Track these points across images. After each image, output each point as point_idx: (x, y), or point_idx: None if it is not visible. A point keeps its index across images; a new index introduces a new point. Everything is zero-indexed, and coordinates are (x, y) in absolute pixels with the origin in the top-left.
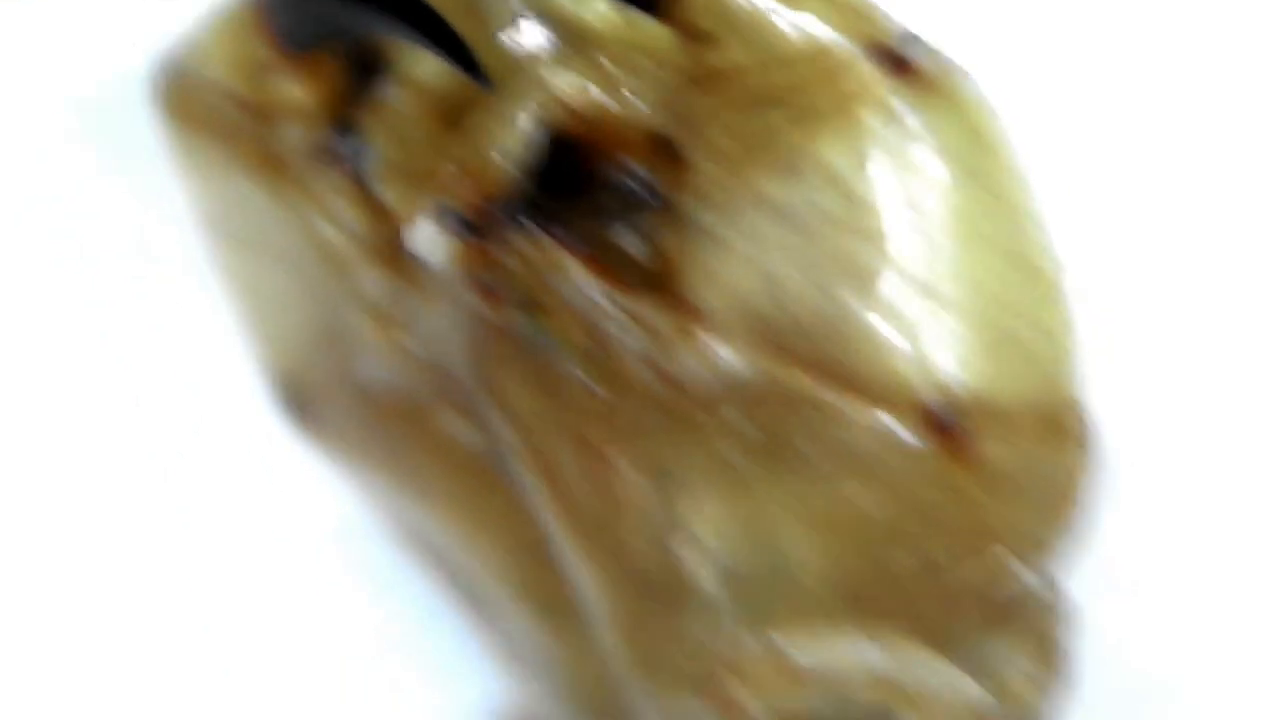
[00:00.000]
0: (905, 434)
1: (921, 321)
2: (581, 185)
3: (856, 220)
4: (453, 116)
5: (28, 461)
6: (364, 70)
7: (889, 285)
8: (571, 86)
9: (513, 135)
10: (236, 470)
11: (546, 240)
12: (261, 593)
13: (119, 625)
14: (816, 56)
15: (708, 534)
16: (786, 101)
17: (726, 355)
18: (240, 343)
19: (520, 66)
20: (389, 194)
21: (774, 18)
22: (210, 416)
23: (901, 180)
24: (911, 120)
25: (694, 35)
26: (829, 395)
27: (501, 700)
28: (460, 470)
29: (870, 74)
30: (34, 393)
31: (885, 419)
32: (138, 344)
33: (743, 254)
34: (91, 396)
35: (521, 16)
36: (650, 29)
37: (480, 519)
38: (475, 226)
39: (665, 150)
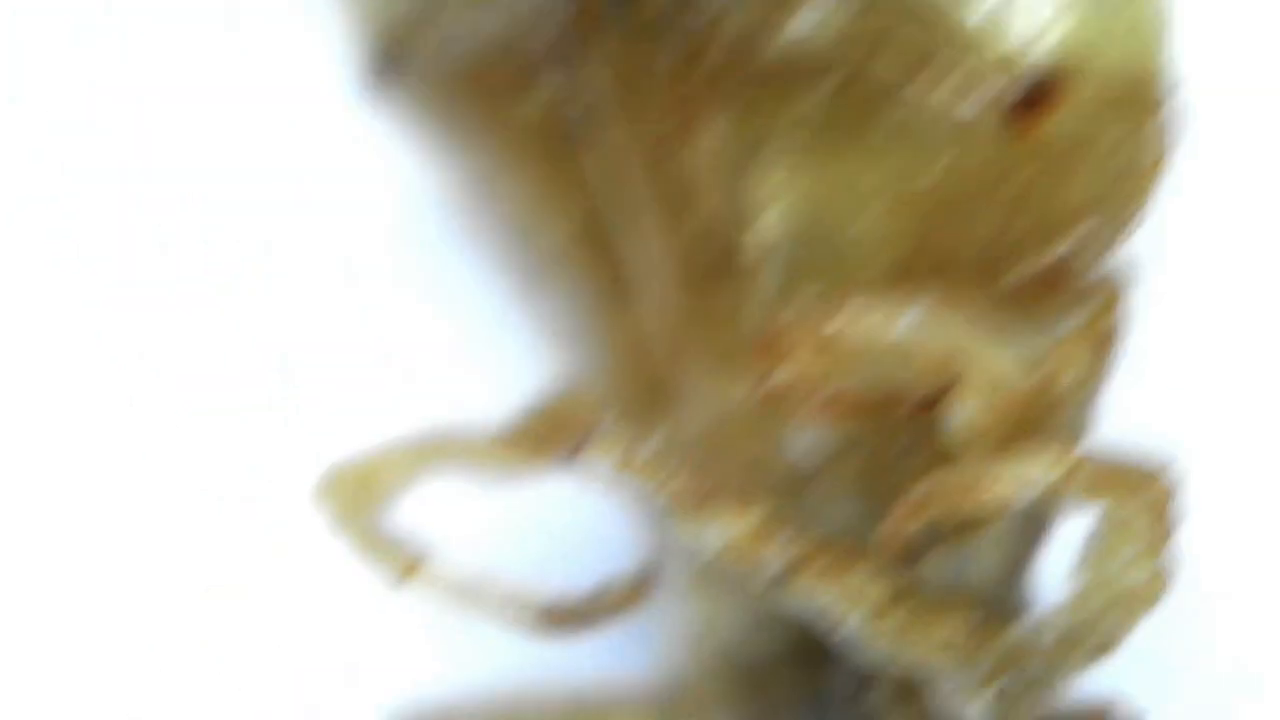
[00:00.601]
0: (980, 102)
1: None
2: None
3: None
4: None
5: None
6: None
7: None
8: None
9: None
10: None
11: None
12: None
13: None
14: None
15: (771, 207)
16: None
17: (811, 19)
18: None
19: None
20: None
21: None
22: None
23: None
24: None
25: None
26: (908, 62)
27: (543, 384)
28: (539, 140)
29: None
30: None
31: (963, 86)
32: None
33: None
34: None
35: None
36: None
37: (549, 192)
38: None
39: None
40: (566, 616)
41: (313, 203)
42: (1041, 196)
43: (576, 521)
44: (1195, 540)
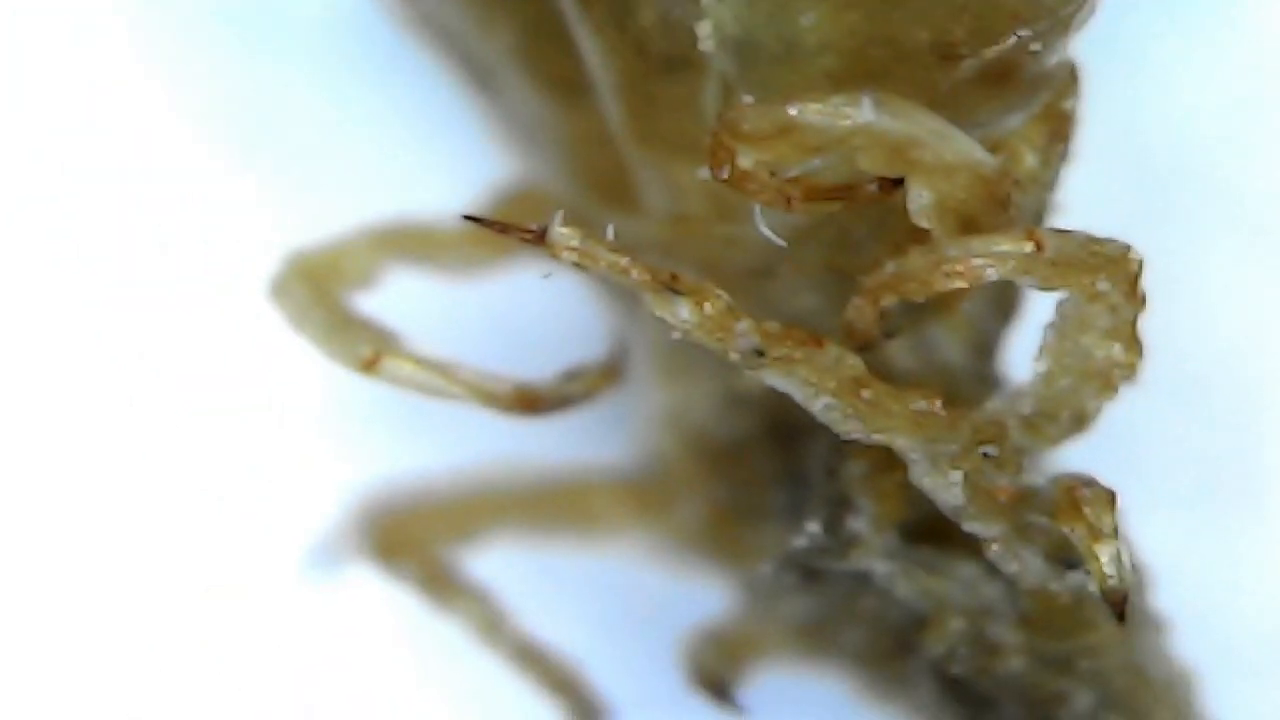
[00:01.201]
0: None
1: None
2: None
3: None
4: None
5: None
6: None
7: None
8: None
9: None
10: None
11: None
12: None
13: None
14: None
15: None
16: None
17: None
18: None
19: None
20: None
21: None
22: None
23: None
24: None
25: None
26: None
27: (505, 177)
28: None
29: None
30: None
31: None
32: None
33: None
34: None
35: None
36: None
37: None
38: None
39: None
40: (538, 399)
41: (270, 6)
42: None
43: (544, 310)
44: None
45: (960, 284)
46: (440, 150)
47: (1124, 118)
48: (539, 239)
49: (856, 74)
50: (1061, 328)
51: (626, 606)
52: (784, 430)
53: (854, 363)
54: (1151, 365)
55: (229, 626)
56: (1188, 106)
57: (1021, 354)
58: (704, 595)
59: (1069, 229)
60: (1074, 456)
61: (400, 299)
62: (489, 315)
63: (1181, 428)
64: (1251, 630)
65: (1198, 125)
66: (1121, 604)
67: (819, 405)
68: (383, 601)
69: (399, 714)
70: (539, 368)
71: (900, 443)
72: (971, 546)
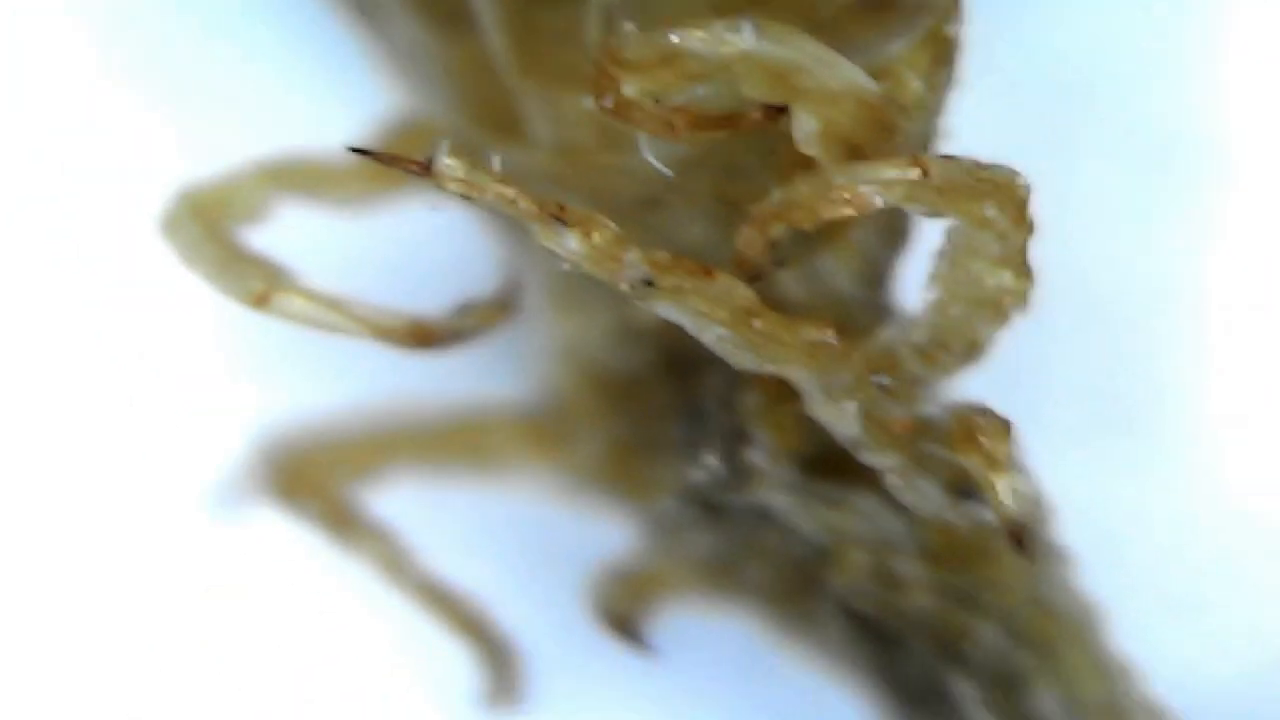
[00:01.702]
0: None
1: None
2: None
3: None
4: None
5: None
6: None
7: None
8: None
9: None
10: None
11: None
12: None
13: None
14: None
15: None
16: None
17: None
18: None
19: None
20: None
21: None
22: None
23: None
24: None
25: None
26: None
27: (392, 111)
28: None
29: None
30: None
31: None
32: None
33: None
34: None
35: None
36: None
37: None
38: None
39: None
40: (431, 333)
41: None
42: None
43: (436, 244)
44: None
45: (848, 211)
46: (330, 84)
47: (1010, 42)
48: (425, 170)
49: (738, 0)
50: (951, 255)
51: (531, 545)
52: (680, 363)
53: (745, 292)
54: (1046, 293)
55: (134, 567)
56: (1076, 30)
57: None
58: (609, 532)
59: (956, 155)
60: (972, 387)
61: (292, 234)
62: (381, 250)
63: (1080, 358)
64: (1155, 561)
65: (1087, 48)
66: (1021, 534)
67: (711, 336)
68: (290, 540)
69: (309, 649)
70: (432, 302)
71: (793, 373)
72: (871, 478)
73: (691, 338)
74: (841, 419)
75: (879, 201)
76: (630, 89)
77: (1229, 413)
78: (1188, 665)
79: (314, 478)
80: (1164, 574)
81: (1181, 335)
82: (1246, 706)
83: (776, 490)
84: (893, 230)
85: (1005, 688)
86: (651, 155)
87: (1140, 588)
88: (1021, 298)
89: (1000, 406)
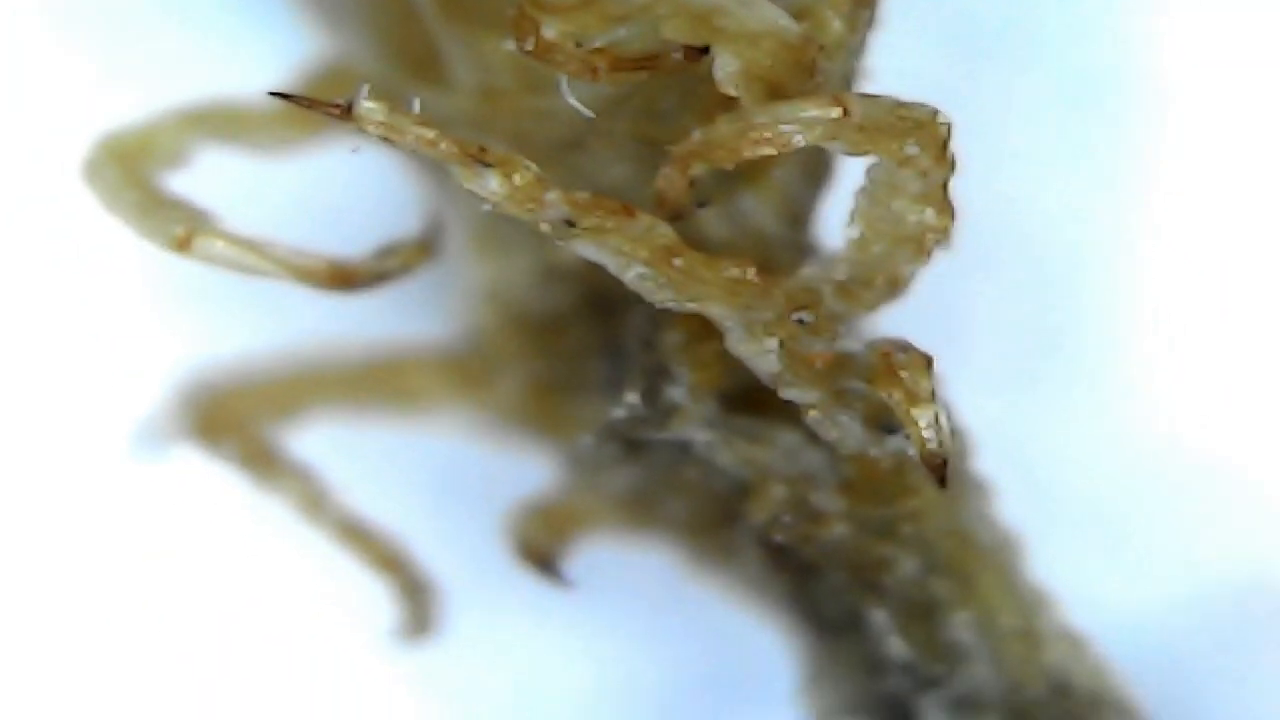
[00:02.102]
0: None
1: None
2: None
3: None
4: None
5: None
6: None
7: None
8: None
9: None
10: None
11: None
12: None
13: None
14: None
15: None
16: None
17: None
18: None
19: None
20: None
21: None
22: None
23: None
24: None
25: None
26: None
27: (314, 59)
28: None
29: None
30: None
31: None
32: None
33: None
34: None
35: None
36: None
37: None
38: None
39: None
40: (352, 275)
41: None
42: None
43: (357, 187)
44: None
45: (768, 150)
46: (251, 29)
47: None
48: (345, 113)
49: None
50: (872, 193)
51: (451, 482)
52: (602, 303)
53: (665, 231)
54: (967, 231)
55: (57, 506)
56: None
57: (835, 221)
58: (528, 470)
59: (877, 94)
60: (893, 324)
61: (212, 178)
62: (302, 193)
63: (1003, 293)
64: (1072, 493)
65: None
66: (941, 468)
67: (632, 274)
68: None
69: (229, 587)
70: (353, 244)
71: (714, 311)
72: (791, 414)
73: (613, 277)
74: (762, 355)
75: (800, 140)
76: (551, 31)
77: (1152, 346)
78: (1108, 596)
79: (234, 418)
80: (1086, 505)
81: (1105, 268)
82: (1165, 638)
83: (697, 426)
84: (814, 169)
85: (921, 617)
86: (573, 97)
87: (1062, 519)
88: (943, 234)
89: (922, 342)
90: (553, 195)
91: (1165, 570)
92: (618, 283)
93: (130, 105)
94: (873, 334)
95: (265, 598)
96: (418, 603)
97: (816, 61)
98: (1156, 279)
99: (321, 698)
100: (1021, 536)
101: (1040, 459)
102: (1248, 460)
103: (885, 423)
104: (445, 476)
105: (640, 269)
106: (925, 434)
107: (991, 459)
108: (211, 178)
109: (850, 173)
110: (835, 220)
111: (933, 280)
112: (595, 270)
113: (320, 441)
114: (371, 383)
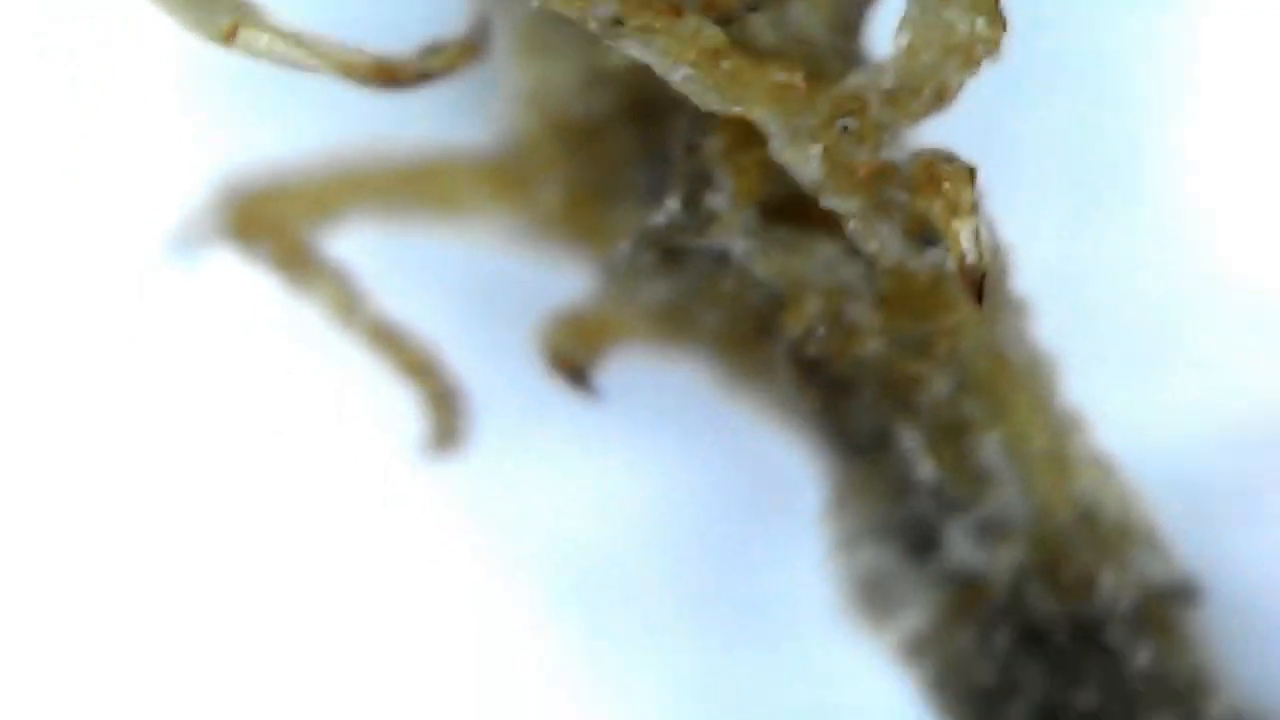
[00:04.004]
0: None
1: None
2: None
3: None
4: None
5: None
6: None
7: None
8: None
9: None
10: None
11: None
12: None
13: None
14: None
15: None
16: None
17: None
18: None
19: None
20: None
21: None
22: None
23: None
24: None
25: None
26: None
27: None
28: None
29: None
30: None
31: None
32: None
33: None
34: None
35: None
36: None
37: None
38: None
39: None
40: (397, 72)
41: None
42: None
43: None
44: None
45: None
46: None
47: None
48: None
49: None
50: (923, 1)
51: (485, 291)
52: (645, 107)
53: (714, 33)
54: (1020, 42)
55: (93, 311)
56: None
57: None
58: (563, 280)
59: None
60: (944, 140)
61: None
62: None
63: (1048, 108)
64: (1117, 318)
65: None
66: (979, 283)
67: (678, 76)
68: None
69: (257, 392)
70: (400, 42)
71: (759, 115)
72: (831, 226)
73: (659, 82)
74: (805, 162)
75: None
76: None
77: (1208, 174)
78: (1146, 424)
79: (271, 218)
80: (1131, 331)
81: (1158, 89)
82: (1197, 469)
83: (736, 235)
84: None
85: (952, 437)
86: None
87: (1106, 344)
88: (994, 44)
89: (969, 156)
90: None
91: (1205, 401)
92: (662, 89)
93: None
94: (918, 145)
95: (291, 402)
96: (447, 412)
97: None
98: (1215, 103)
99: (347, 507)
100: (1059, 359)
101: (1086, 283)
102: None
103: (925, 234)
104: (480, 284)
105: (687, 70)
106: (964, 247)
107: (1036, 279)
108: None
109: None
110: (886, 30)
111: (987, 98)
112: (640, 75)
113: (357, 245)
114: (410, 186)
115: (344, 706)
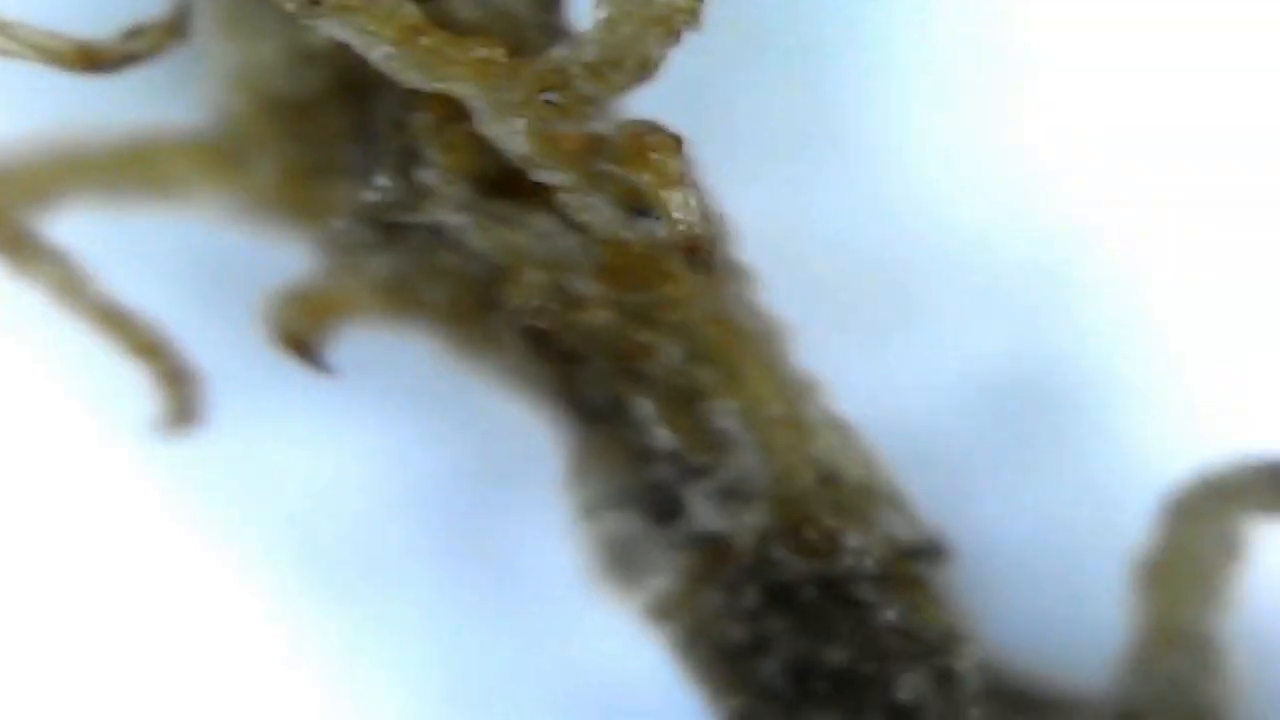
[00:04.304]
0: None
1: None
2: None
3: None
4: None
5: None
6: None
7: None
8: None
9: None
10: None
11: None
12: None
13: None
14: None
15: None
16: None
17: None
18: None
19: None
20: None
21: None
22: None
23: None
24: None
25: None
26: None
27: None
28: None
29: None
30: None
31: None
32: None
33: None
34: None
35: None
36: None
37: None
38: None
39: None
40: (101, 55)
41: None
42: None
43: None
44: None
45: None
46: None
47: None
48: None
49: None
50: None
51: (210, 269)
52: (353, 86)
53: (411, 10)
54: (728, 10)
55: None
56: None
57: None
58: (287, 257)
59: None
60: (653, 108)
61: None
62: None
63: (762, 76)
64: (842, 281)
65: None
66: (695, 251)
67: (378, 54)
68: None
69: None
70: (102, 26)
71: (462, 91)
72: (546, 198)
73: (365, 60)
74: (511, 136)
75: None
76: None
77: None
78: (878, 387)
79: None
80: (856, 292)
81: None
82: (933, 430)
83: (450, 210)
84: None
85: (685, 405)
86: None
87: (832, 307)
88: (692, 15)
89: (683, 127)
90: None
91: (933, 362)
92: (369, 66)
93: None
94: (627, 116)
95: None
96: (178, 392)
97: None
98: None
99: (75, 492)
100: (789, 325)
101: (813, 248)
102: (1019, 244)
103: (637, 205)
104: (203, 263)
105: (387, 48)
106: (676, 215)
107: (759, 246)
108: None
109: None
110: (587, 4)
111: (698, 67)
112: (346, 53)
113: (78, 227)
114: (126, 167)
115: (81, 685)
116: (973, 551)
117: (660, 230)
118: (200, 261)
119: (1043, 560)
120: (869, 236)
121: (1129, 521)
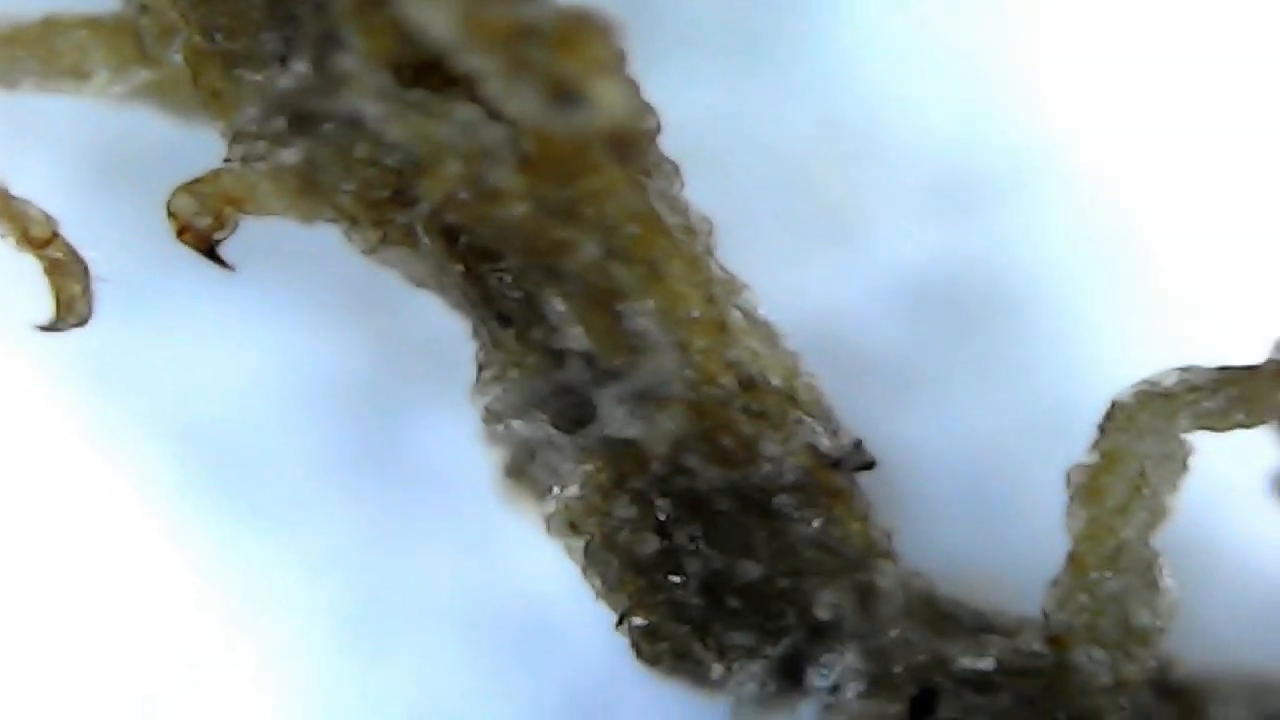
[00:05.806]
0: None
1: None
2: None
3: None
4: None
5: None
6: None
7: None
8: None
9: None
10: None
11: None
12: None
13: None
14: None
15: None
16: None
17: None
18: None
19: None
20: None
21: None
22: None
23: None
24: None
25: None
26: None
27: None
28: None
29: None
30: None
31: None
32: None
33: None
34: None
35: None
36: None
37: None
38: None
39: None
40: None
41: None
42: None
43: None
44: None
45: None
46: None
47: None
48: None
49: None
50: None
51: (111, 157)
52: None
53: None
54: None
55: None
56: None
57: None
58: (193, 144)
59: None
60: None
61: None
62: None
63: None
64: (772, 180)
65: None
66: (621, 144)
67: None
68: None
69: None
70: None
71: None
72: (470, 87)
73: None
74: (436, 20)
75: None
76: None
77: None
78: (803, 290)
79: None
80: (785, 198)
81: None
82: (861, 339)
83: (368, 98)
84: None
85: (602, 302)
86: None
87: (750, 201)
88: None
89: (618, 16)
90: None
91: (870, 270)
92: None
93: None
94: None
95: None
96: (68, 282)
97: None
98: None
99: None
100: (715, 225)
101: (744, 148)
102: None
103: (566, 94)
104: (104, 153)
105: None
106: (604, 105)
107: (691, 145)
108: None
109: None
110: None
111: None
112: None
113: None
114: (31, 48)
115: None
116: (903, 464)
117: (589, 120)
118: (102, 150)
119: (979, 475)
120: (807, 139)
121: (1070, 435)
